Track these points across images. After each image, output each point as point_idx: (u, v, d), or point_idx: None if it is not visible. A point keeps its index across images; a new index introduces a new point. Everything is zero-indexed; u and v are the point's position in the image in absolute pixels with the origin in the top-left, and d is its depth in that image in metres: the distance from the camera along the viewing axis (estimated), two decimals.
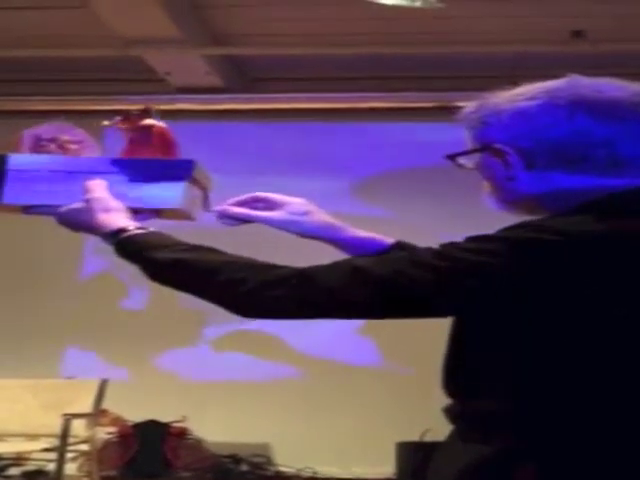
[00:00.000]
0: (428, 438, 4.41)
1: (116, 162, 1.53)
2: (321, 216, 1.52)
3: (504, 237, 1.13)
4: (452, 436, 1.22)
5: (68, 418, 4.01)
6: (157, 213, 1.50)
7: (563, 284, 1.10)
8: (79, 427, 4.09)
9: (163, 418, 4.31)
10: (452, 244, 1.15)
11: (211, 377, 5.09)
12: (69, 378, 4.67)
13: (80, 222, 1.43)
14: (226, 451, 4.75)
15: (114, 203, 1.42)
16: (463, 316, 1.19)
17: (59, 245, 5.34)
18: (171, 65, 5.07)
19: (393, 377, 4.99)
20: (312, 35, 4.83)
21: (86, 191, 1.44)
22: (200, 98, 5.24)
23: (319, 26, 4.76)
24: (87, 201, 1.43)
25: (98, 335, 5.19)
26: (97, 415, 4.22)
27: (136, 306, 5.28)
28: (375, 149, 5.30)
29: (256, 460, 4.76)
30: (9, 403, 4.29)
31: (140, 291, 5.21)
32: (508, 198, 1.25)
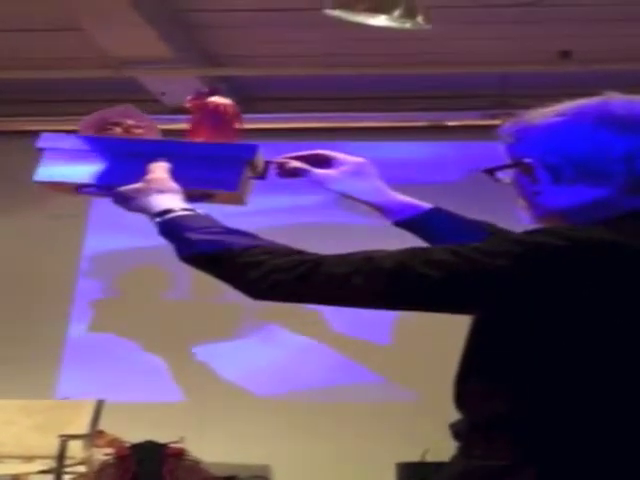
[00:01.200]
0: (429, 458, 4.39)
1: (178, 145, 1.58)
2: (371, 181, 1.57)
3: (517, 240, 1.16)
4: (455, 454, 1.24)
5: (64, 439, 4.01)
6: (213, 196, 1.54)
7: (566, 289, 1.12)
8: (76, 448, 4.09)
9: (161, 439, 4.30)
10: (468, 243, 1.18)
11: (208, 397, 5.09)
12: (64, 399, 4.66)
13: (133, 202, 1.47)
14: (225, 472, 4.72)
15: (170, 185, 1.45)
16: (466, 314, 1.22)
17: (54, 263, 5.37)
18: (166, 86, 5.11)
19: (394, 397, 4.97)
20: (305, 56, 4.89)
21: (147, 172, 1.48)
22: None
23: (312, 47, 4.81)
24: (145, 181, 1.46)
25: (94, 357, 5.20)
26: (93, 436, 4.21)
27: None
28: None
29: None
30: (5, 424, 4.28)
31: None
32: (538, 213, 1.28)
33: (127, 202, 1.48)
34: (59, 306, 5.32)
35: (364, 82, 5.16)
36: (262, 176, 1.62)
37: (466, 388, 1.22)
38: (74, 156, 1.55)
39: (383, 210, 1.56)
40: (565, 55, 4.67)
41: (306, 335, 5.14)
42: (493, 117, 4.71)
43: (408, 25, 3.76)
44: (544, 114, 1.27)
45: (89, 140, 1.59)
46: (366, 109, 5.37)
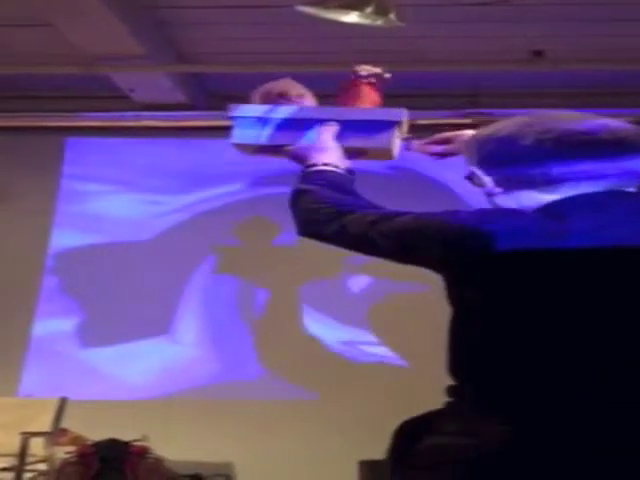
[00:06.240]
0: None
1: (341, 111, 1.89)
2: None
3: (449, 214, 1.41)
4: None
5: (26, 437, 3.96)
6: (367, 153, 1.85)
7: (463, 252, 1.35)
8: (38, 446, 4.04)
9: (124, 437, 4.28)
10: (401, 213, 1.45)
11: (173, 393, 5.05)
12: (27, 396, 4.61)
13: (298, 157, 1.74)
14: (188, 470, 4.70)
15: (330, 144, 1.75)
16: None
17: (19, 260, 5.30)
18: (135, 82, 5.06)
19: (356, 394, 4.95)
20: (275, 53, 4.86)
21: (317, 133, 1.77)
22: (165, 115, 5.21)
23: (283, 44, 4.80)
24: (311, 141, 1.76)
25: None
26: (56, 434, 4.17)
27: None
28: None
29: None
30: None
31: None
32: None
33: (297, 159, 1.74)
34: (23, 303, 5.25)
35: (336, 79, 5.14)
36: (406, 136, 1.91)
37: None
38: (257, 122, 1.86)
39: None
40: (537, 55, 4.68)
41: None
42: (465, 116, 4.71)
43: (380, 22, 3.75)
44: (485, 130, 1.49)
45: (270, 108, 1.88)
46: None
